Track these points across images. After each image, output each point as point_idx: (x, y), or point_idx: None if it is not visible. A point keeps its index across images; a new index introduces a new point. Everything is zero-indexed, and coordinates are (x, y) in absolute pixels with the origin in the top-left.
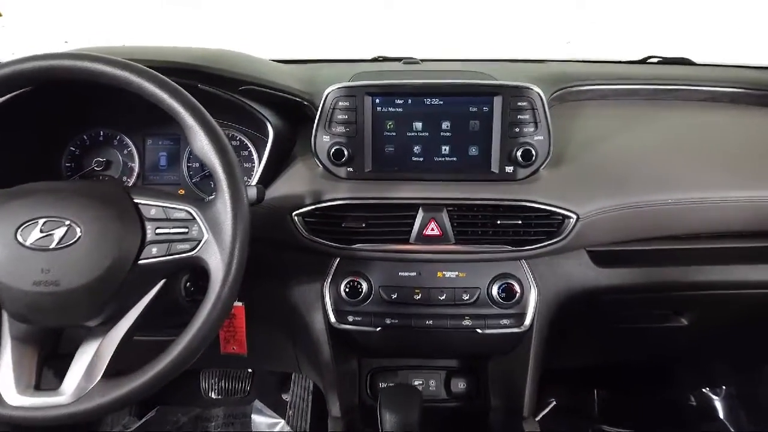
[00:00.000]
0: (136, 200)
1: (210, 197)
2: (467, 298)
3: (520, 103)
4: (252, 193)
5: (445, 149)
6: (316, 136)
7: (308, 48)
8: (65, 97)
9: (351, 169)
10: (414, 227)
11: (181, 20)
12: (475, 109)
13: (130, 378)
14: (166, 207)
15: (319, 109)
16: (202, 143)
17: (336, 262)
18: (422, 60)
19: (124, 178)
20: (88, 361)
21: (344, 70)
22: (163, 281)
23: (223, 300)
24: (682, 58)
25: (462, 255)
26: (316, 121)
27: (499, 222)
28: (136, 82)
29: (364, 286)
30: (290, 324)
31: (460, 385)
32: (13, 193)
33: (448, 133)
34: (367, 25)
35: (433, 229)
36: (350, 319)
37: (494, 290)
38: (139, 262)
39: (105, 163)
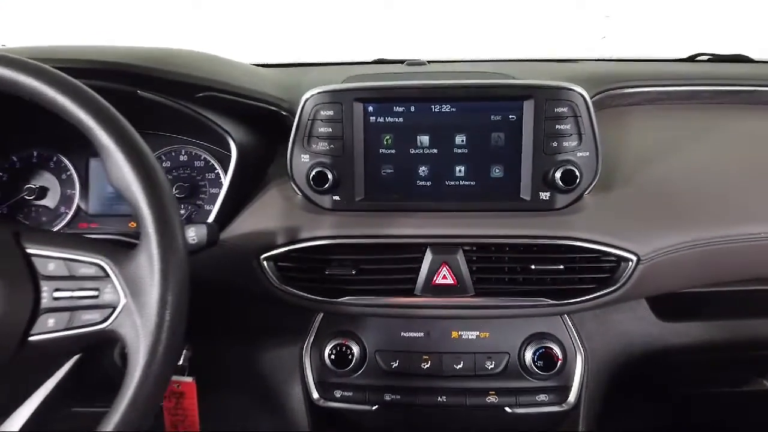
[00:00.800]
0: (28, 250)
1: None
2: (492, 366)
3: (558, 109)
4: (200, 234)
5: (459, 170)
6: (292, 154)
7: (300, 51)
8: None
9: (337, 198)
10: (420, 274)
11: (167, 21)
12: (498, 118)
13: None
14: (69, 260)
15: (296, 119)
16: (120, 169)
17: (319, 319)
18: (429, 61)
19: (62, 209)
20: None
21: (337, 73)
22: (77, 357)
23: (146, 393)
24: (738, 55)
25: (484, 310)
26: (292, 135)
27: (533, 267)
28: (25, 84)
29: (356, 350)
30: (260, 398)
31: None
32: None
33: (463, 150)
34: (367, 25)
35: (445, 277)
36: (338, 394)
37: (528, 356)
38: (30, 338)
39: (38, 191)
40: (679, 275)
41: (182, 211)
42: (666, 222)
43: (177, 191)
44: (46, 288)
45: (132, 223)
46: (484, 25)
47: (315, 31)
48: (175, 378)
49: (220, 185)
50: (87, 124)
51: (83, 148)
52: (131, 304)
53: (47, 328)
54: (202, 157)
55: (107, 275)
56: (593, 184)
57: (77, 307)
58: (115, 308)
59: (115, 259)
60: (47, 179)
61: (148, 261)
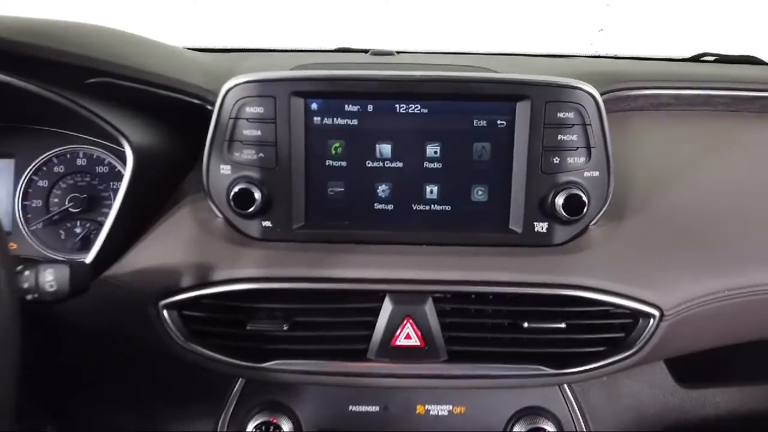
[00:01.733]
0: None
1: None
2: None
3: (562, 114)
4: (60, 279)
5: (431, 191)
6: (209, 164)
7: (252, 36)
8: None
9: (268, 224)
10: (376, 332)
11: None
12: (483, 123)
13: None
14: None
15: (214, 118)
16: None
17: (238, 387)
18: (398, 52)
19: None
20: None
21: (285, 61)
22: None
23: None
24: (748, 56)
25: (460, 380)
26: (208, 139)
27: (526, 325)
28: None
29: (286, 429)
30: None
31: None
32: None
33: (436, 164)
34: (332, 10)
35: (408, 336)
36: None
37: None
38: None
39: None
40: (711, 332)
41: (77, 230)
42: (695, 263)
43: (71, 204)
44: None
45: (13, 244)
46: (464, 12)
47: (270, 13)
48: None
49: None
50: None
51: None
52: None
53: None
54: (105, 161)
55: None
56: (601, 213)
57: None
58: None
59: None
60: None
61: None
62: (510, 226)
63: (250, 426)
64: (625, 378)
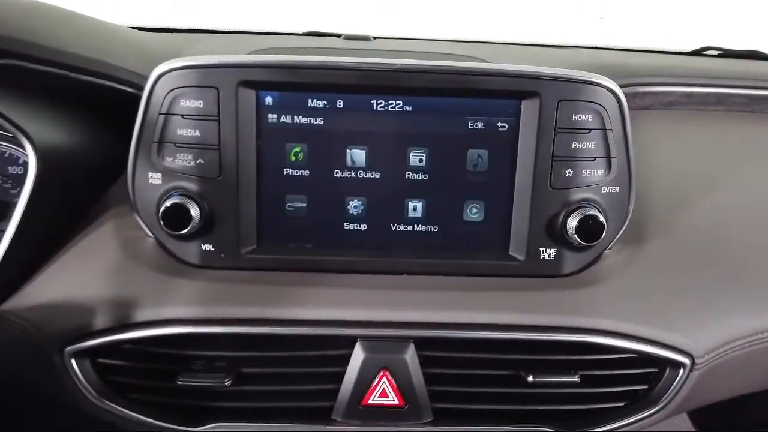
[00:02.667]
0: None
1: None
2: None
3: (578, 116)
4: None
5: (414, 208)
6: (134, 171)
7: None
8: None
9: (209, 248)
10: (344, 386)
11: None
12: (480, 126)
13: None
14: None
15: (140, 113)
16: None
17: None
18: (375, 37)
19: None
20: None
21: (243, 45)
22: None
23: None
24: (754, 51)
25: None
26: (134, 138)
27: (531, 379)
28: None
29: None
30: None
31: None
32: None
33: (421, 175)
34: None
35: (385, 393)
36: None
37: None
38: None
39: None
40: (743, 379)
41: None
42: (729, 298)
43: None
44: None
45: None
46: None
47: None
48: None
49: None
50: None
51: None
52: None
53: None
54: (20, 161)
55: None
56: (618, 236)
57: None
58: None
59: None
60: None
61: None
62: (510, 252)
63: None
64: None
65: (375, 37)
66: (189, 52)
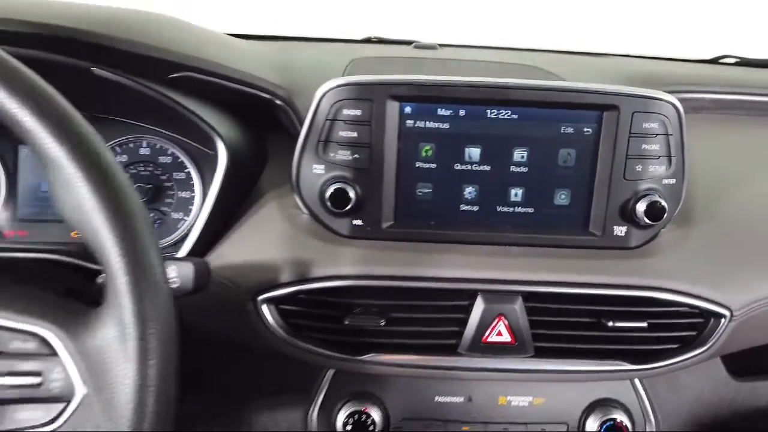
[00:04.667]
0: None
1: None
2: None
3: (647, 125)
4: (184, 275)
5: (515, 194)
6: (300, 163)
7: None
8: None
9: (359, 223)
10: (468, 328)
11: None
12: (570, 131)
13: None
14: None
15: (309, 119)
16: (74, 196)
17: (328, 377)
18: (440, 45)
19: None
20: None
21: (331, 53)
22: None
23: None
24: None
25: (544, 374)
26: (301, 138)
27: (611, 324)
28: None
29: (377, 418)
30: None
31: None
32: None
33: (522, 168)
34: None
35: (500, 333)
36: None
37: (591, 427)
38: None
39: None
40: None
41: None
42: (760, 265)
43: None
44: None
45: (74, 232)
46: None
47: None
48: None
49: (191, 188)
50: (20, 118)
51: (10, 133)
52: (93, 398)
53: None
54: (169, 152)
55: (54, 353)
56: (673, 217)
57: (8, 400)
58: (68, 403)
59: (67, 328)
60: None
61: (119, 332)
62: (590, 229)
63: (341, 415)
64: (685, 372)
65: (440, 45)
66: (299, 61)
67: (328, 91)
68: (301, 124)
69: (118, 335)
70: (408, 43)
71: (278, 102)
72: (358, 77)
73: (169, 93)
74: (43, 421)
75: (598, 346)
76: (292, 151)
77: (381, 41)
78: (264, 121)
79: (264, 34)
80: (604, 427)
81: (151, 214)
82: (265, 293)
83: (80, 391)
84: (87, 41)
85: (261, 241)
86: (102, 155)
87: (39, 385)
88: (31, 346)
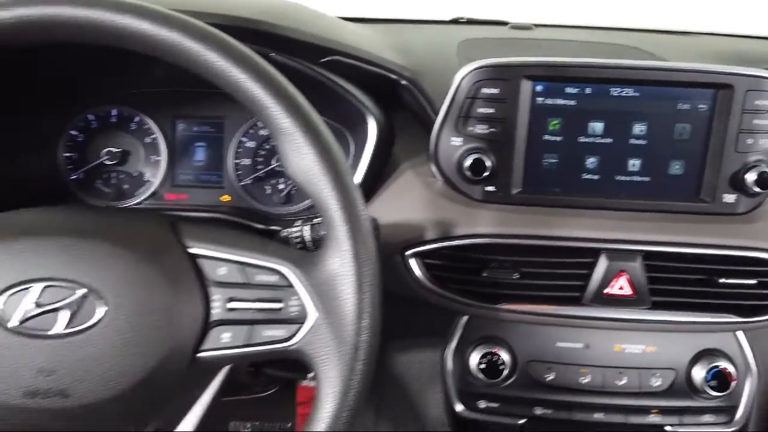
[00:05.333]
0: (193, 250)
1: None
2: (658, 384)
3: (759, 102)
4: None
5: (633, 164)
6: (439, 136)
7: None
8: (61, 58)
9: (491, 189)
10: (591, 282)
11: None
12: (686, 107)
13: None
14: (244, 264)
15: (449, 97)
16: (303, 162)
17: (462, 323)
18: (535, 25)
19: (146, 176)
20: None
21: (437, 35)
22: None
23: (342, 422)
24: None
25: (658, 325)
26: (441, 113)
27: (722, 280)
28: (194, 51)
29: (507, 359)
30: (394, 406)
31: None
32: None
33: (641, 141)
34: None
35: (621, 287)
36: (482, 405)
37: (697, 374)
38: (200, 354)
39: (120, 155)
40: None
41: (281, 186)
42: None
43: (278, 163)
44: (217, 296)
45: (224, 196)
46: None
47: None
48: (313, 383)
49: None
50: (265, 104)
51: (169, 108)
52: (323, 320)
53: (221, 344)
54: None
55: (290, 285)
56: None
57: (257, 321)
58: (302, 324)
59: (300, 266)
60: (128, 142)
61: (345, 268)
62: (701, 197)
63: (474, 355)
64: None
65: (535, 25)
66: (415, 43)
67: (469, 73)
68: (429, 102)
69: (340, 272)
70: (502, 23)
71: (404, 82)
72: (497, 60)
73: (330, 75)
74: (284, 338)
75: (710, 301)
76: (417, 126)
77: (470, 21)
78: (389, 99)
79: (365, 17)
80: (711, 373)
81: (289, 182)
82: (412, 249)
83: (312, 314)
84: (262, 30)
85: (404, 205)
86: (323, 129)
87: (280, 310)
88: (273, 279)
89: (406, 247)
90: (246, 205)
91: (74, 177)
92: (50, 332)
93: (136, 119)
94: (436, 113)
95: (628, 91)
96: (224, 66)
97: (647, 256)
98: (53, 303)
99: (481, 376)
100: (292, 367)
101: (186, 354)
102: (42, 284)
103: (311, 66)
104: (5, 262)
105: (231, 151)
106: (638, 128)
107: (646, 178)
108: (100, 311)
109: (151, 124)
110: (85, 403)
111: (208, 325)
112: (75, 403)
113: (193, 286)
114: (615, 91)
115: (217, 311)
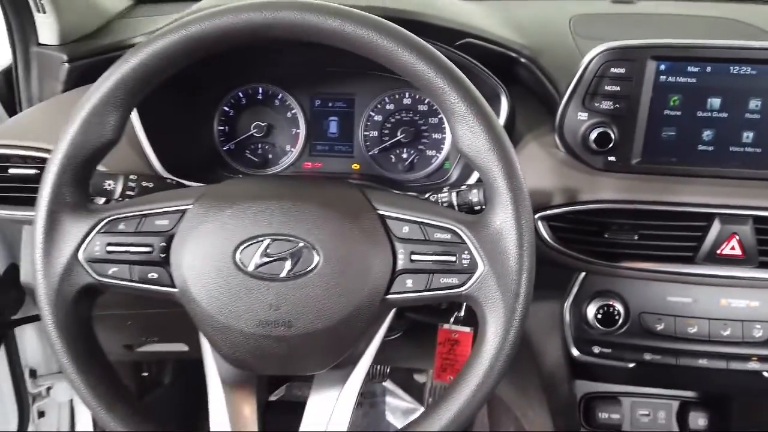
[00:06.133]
0: (381, 211)
1: (475, 208)
2: (760, 335)
3: None
4: (481, 198)
5: (747, 136)
6: (565, 111)
7: None
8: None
9: (613, 159)
10: (705, 243)
11: None
12: None
13: None
14: (423, 223)
15: (578, 75)
16: (475, 140)
17: (580, 278)
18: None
19: (287, 147)
20: (328, 414)
21: (544, 10)
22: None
23: (504, 357)
24: None
25: (764, 282)
26: (569, 90)
27: None
28: (382, 46)
29: (621, 310)
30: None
31: (700, 421)
32: (220, 195)
33: (755, 115)
34: None
35: (733, 248)
36: (596, 350)
37: None
38: (388, 297)
39: (266, 128)
40: None
41: (405, 155)
42: None
43: (402, 135)
44: (402, 250)
45: (354, 164)
46: None
47: None
48: (454, 327)
49: (442, 131)
50: (442, 89)
51: (307, 87)
52: (489, 272)
53: (405, 288)
54: (425, 101)
55: (462, 242)
56: None
57: (435, 270)
58: (472, 274)
59: (470, 226)
60: (273, 117)
61: (509, 231)
62: None
63: (591, 307)
64: None
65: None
66: (525, 20)
67: (599, 54)
68: (548, 78)
69: (505, 231)
70: None
71: (523, 60)
72: (626, 42)
73: (468, 58)
74: (456, 285)
75: None
76: (531, 99)
77: None
78: (504, 75)
79: None
80: None
81: (412, 152)
82: (540, 212)
83: (481, 266)
84: (404, 18)
85: (531, 173)
86: (491, 113)
87: (454, 262)
88: (447, 236)
89: (535, 210)
90: (373, 172)
91: (227, 147)
92: (279, 276)
93: (279, 96)
94: (556, 88)
95: (746, 69)
96: (412, 60)
97: (757, 219)
98: (279, 253)
99: (597, 325)
100: (434, 312)
101: (379, 295)
102: (269, 239)
103: (449, 48)
104: (240, 222)
105: (361, 125)
106: (753, 103)
107: (758, 149)
108: (315, 260)
109: (292, 100)
110: (302, 332)
111: (395, 273)
112: (296, 332)
113: (384, 241)
114: (734, 69)
115: (402, 262)
